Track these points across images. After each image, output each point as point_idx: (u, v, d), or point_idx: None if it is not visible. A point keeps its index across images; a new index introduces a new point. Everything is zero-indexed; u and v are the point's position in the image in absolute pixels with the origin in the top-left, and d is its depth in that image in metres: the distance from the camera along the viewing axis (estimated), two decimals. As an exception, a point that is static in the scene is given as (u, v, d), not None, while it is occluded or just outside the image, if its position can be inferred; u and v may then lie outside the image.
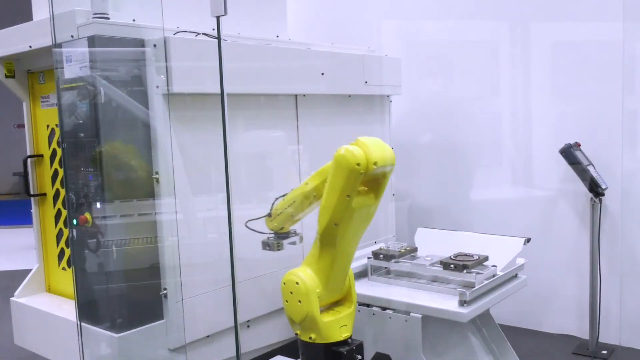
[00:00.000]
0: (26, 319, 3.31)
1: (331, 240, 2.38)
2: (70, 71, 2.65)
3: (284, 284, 2.48)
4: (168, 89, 2.64)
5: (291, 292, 2.44)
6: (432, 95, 4.54)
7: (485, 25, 4.29)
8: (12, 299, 3.39)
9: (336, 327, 2.47)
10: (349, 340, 2.51)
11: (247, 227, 2.73)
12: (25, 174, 3.40)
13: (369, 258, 3.32)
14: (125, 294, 2.68)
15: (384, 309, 3.00)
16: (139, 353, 2.71)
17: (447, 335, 3.21)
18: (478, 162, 4.38)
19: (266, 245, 2.82)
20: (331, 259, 2.42)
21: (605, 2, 3.73)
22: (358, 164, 2.20)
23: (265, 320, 3.20)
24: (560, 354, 3.82)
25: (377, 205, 2.40)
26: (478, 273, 2.95)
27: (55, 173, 3.33)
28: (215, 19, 2.06)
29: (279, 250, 2.80)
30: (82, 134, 2.66)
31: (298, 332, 2.51)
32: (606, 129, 3.78)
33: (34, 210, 3.45)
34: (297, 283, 2.41)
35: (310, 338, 2.45)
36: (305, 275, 2.42)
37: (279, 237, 2.80)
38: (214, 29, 2.72)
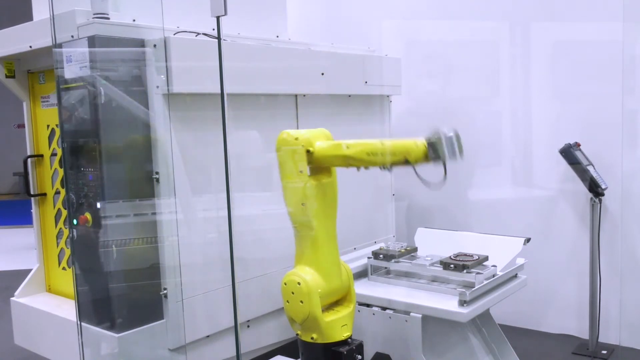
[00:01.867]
0: (26, 319, 3.31)
1: (306, 223, 2.44)
2: (70, 71, 2.65)
3: (285, 284, 2.47)
4: (168, 89, 2.64)
5: (293, 293, 2.43)
6: (432, 95, 4.54)
7: (485, 25, 4.29)
8: (12, 299, 3.38)
9: (337, 326, 2.47)
10: (349, 340, 2.51)
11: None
12: (25, 174, 3.40)
13: (369, 258, 3.32)
14: (125, 294, 2.68)
15: (384, 309, 3.00)
16: (139, 353, 2.71)
17: (447, 335, 3.21)
18: (478, 162, 4.38)
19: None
20: (314, 245, 2.45)
21: (605, 2, 3.73)
22: (296, 139, 2.43)
23: (265, 320, 3.20)
24: (560, 354, 3.82)
25: (335, 180, 2.53)
26: (478, 273, 2.95)
27: (55, 173, 3.34)
28: (215, 19, 2.06)
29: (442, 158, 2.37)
30: (82, 134, 2.66)
31: (299, 332, 2.51)
32: (606, 129, 3.78)
33: (34, 210, 3.45)
34: (298, 283, 2.41)
35: (312, 338, 2.45)
36: (307, 275, 2.42)
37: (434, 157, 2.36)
38: (214, 29, 2.72)
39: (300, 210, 2.43)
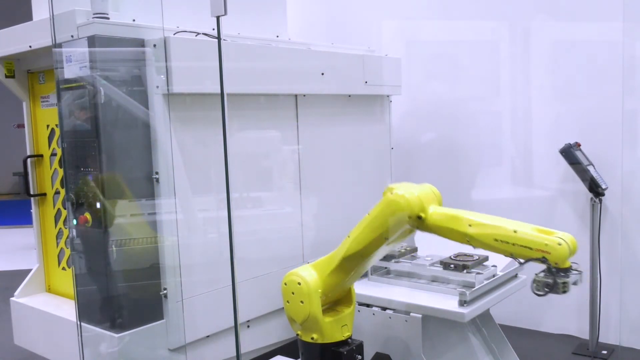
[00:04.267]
0: (26, 319, 3.31)
1: (351, 265, 2.40)
2: (70, 71, 2.64)
3: (285, 284, 2.47)
4: (168, 89, 2.64)
5: (293, 293, 2.43)
6: (431, 95, 4.54)
7: (486, 25, 4.29)
8: (12, 299, 3.38)
9: (337, 326, 2.46)
10: (349, 340, 2.51)
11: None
12: (25, 174, 3.40)
13: (369, 258, 3.32)
14: (125, 294, 2.68)
15: (384, 309, 3.00)
16: (139, 353, 2.71)
17: (447, 335, 3.21)
18: (478, 162, 4.38)
19: (544, 286, 2.10)
20: (344, 278, 2.44)
21: (605, 2, 3.73)
22: (409, 217, 2.19)
23: (265, 320, 3.20)
24: (560, 354, 3.82)
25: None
26: (478, 273, 2.95)
27: (55, 173, 3.34)
28: (215, 19, 2.06)
29: (564, 292, 2.13)
30: (82, 134, 2.65)
31: (299, 332, 2.51)
32: (606, 129, 3.78)
33: (34, 210, 3.45)
34: (299, 283, 2.41)
35: (312, 338, 2.45)
36: (308, 276, 2.41)
37: (562, 275, 2.07)
38: (214, 29, 2.72)
39: (356, 258, 2.36)
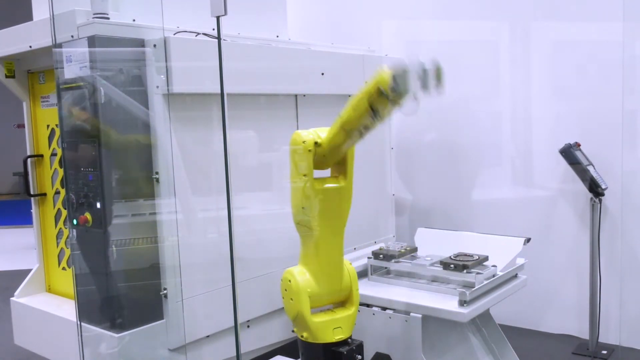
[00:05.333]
0: (26, 319, 3.31)
1: (305, 225, 2.44)
2: (70, 71, 2.65)
3: (282, 280, 2.51)
4: (168, 89, 2.64)
5: (285, 290, 2.48)
6: (432, 95, 4.53)
7: (486, 25, 4.29)
8: (12, 299, 3.39)
9: (329, 328, 2.46)
10: (349, 340, 2.51)
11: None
12: (25, 174, 3.40)
13: (369, 258, 3.32)
14: (125, 294, 2.68)
15: (384, 309, 3.00)
16: (139, 353, 2.72)
17: (447, 335, 3.21)
18: (478, 162, 4.38)
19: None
20: (314, 249, 2.44)
21: (605, 2, 3.73)
22: (304, 142, 2.39)
23: (265, 320, 3.20)
24: (560, 354, 3.82)
25: (350, 187, 2.48)
26: (478, 273, 2.95)
27: (55, 173, 3.34)
28: (215, 19, 2.06)
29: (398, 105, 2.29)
30: (82, 134, 2.66)
31: (295, 329, 2.53)
32: (606, 129, 3.78)
33: (34, 210, 3.45)
34: (289, 281, 2.44)
35: (302, 336, 2.47)
36: (299, 274, 2.44)
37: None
38: (214, 29, 2.72)
39: (300, 213, 2.42)
